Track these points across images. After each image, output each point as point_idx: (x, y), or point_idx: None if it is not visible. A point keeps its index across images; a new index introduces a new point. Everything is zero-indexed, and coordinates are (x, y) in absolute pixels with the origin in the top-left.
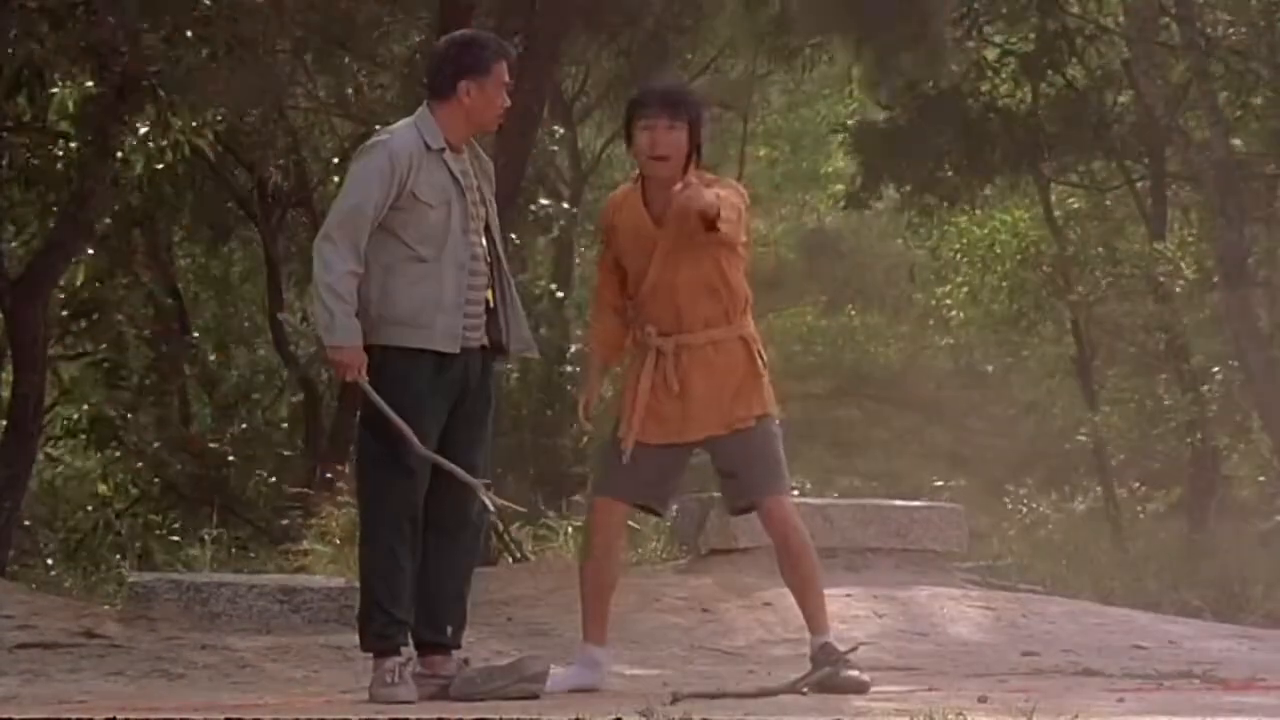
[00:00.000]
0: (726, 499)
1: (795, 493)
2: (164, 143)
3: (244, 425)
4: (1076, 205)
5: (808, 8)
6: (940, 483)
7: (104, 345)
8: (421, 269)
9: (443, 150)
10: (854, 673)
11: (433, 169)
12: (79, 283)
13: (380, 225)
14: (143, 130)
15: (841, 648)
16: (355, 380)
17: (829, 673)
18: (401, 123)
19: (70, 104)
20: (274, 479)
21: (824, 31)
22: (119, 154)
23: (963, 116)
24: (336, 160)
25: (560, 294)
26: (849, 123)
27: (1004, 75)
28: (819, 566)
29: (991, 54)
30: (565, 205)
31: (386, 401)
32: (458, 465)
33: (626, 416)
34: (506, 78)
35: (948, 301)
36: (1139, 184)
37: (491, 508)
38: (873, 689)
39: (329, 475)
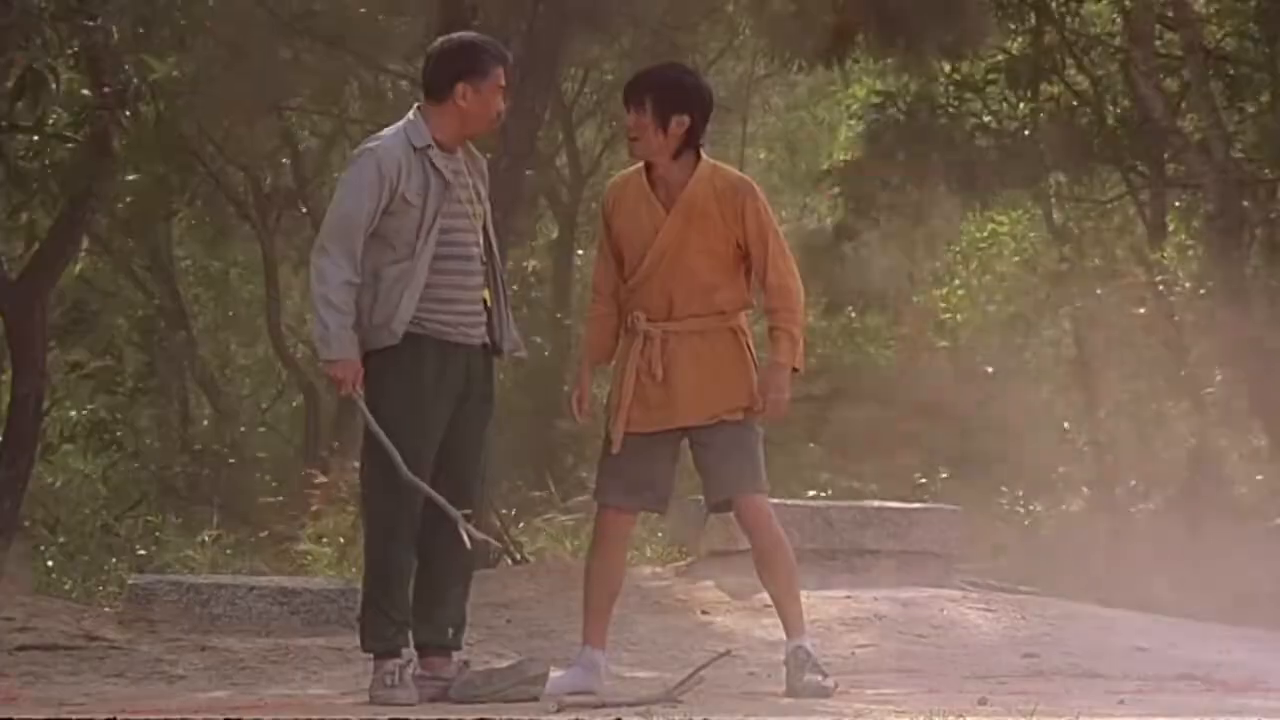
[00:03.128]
0: (706, 496)
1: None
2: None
3: (243, 426)
4: (1076, 215)
5: None
6: (923, 480)
7: (100, 351)
8: (400, 268)
9: (428, 147)
10: (818, 678)
11: (418, 169)
12: (77, 284)
13: (374, 233)
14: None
15: (815, 652)
16: (350, 396)
17: (797, 680)
18: (390, 128)
19: (69, 106)
20: (273, 480)
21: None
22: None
23: (951, 140)
24: (333, 161)
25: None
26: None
27: (995, 89)
28: (794, 568)
29: (977, 71)
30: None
31: (393, 399)
32: (460, 463)
33: (614, 405)
34: (503, 81)
35: (946, 304)
36: (1139, 192)
37: (469, 544)
38: (884, 690)
39: (328, 477)
